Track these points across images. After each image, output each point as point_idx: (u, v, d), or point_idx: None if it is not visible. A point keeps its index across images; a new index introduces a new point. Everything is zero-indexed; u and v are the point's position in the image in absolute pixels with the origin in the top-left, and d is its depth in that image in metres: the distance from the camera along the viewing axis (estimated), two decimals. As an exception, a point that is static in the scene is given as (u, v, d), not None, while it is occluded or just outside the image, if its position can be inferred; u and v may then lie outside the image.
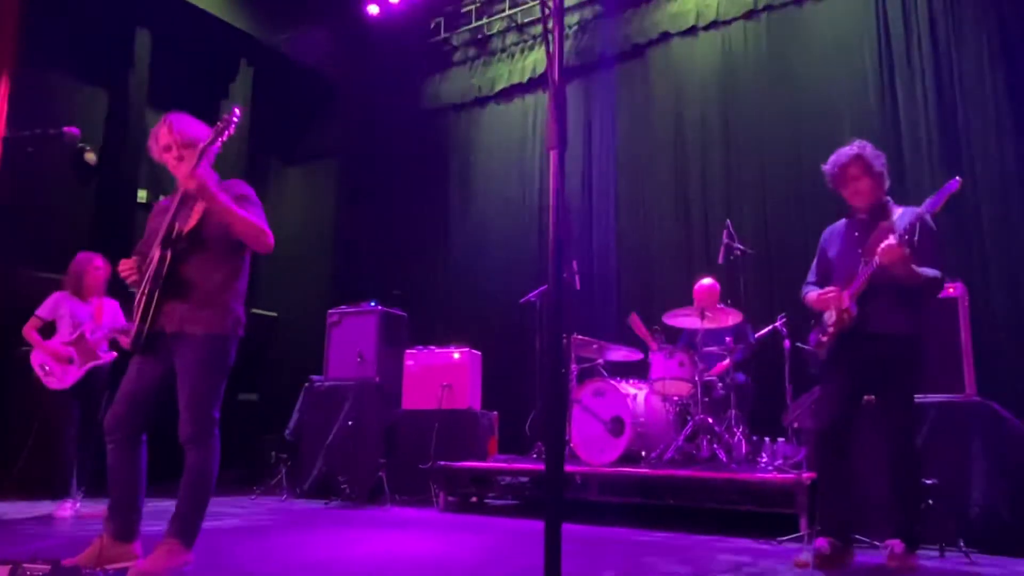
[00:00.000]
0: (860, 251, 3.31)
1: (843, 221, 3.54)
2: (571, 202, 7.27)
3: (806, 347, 3.59)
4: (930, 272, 3.15)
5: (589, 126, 7.45)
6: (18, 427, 5.42)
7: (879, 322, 3.20)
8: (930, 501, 3.40)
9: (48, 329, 4.68)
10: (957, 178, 3.11)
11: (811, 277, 3.62)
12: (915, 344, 3.23)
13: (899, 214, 3.31)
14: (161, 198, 3.10)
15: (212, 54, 7.40)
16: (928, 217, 3.15)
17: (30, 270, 5.93)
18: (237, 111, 2.87)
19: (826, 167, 3.47)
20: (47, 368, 4.56)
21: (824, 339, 3.36)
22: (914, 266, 3.09)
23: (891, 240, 3.07)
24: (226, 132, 2.87)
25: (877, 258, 3.11)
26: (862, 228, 3.38)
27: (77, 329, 4.61)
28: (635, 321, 5.45)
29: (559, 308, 1.54)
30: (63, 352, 4.56)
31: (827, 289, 3.38)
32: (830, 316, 3.32)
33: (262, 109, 7.91)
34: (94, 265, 4.71)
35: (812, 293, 3.48)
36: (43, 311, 4.65)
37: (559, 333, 1.58)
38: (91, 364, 4.59)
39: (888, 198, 3.42)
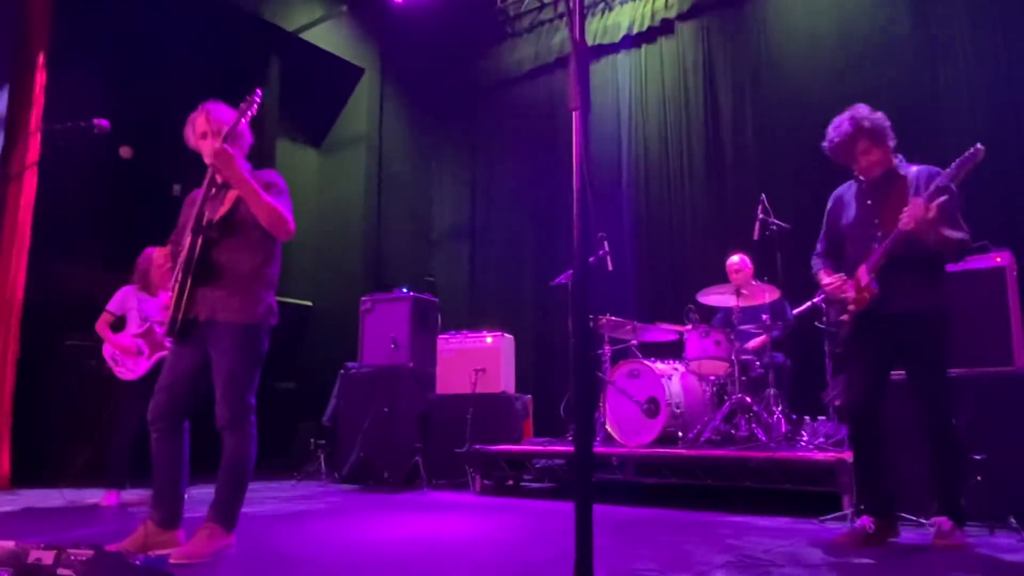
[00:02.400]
0: (876, 221, 3.18)
1: (851, 185, 3.39)
2: (603, 181, 7.19)
3: (826, 327, 3.49)
4: (956, 234, 3.01)
5: (619, 104, 7.35)
6: (63, 417, 5.59)
7: (900, 300, 3.08)
8: (979, 477, 3.30)
9: (119, 324, 4.84)
10: (979, 145, 2.91)
11: (819, 247, 3.50)
12: (939, 318, 3.10)
13: (913, 173, 3.17)
14: (194, 191, 3.13)
15: (240, 45, 7.44)
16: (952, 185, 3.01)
17: (67, 265, 6.06)
18: (259, 92, 2.91)
19: (825, 144, 3.30)
20: (117, 359, 4.70)
21: (844, 318, 3.26)
22: (942, 228, 2.95)
23: (918, 201, 2.92)
24: (249, 112, 2.92)
25: (903, 222, 2.96)
26: (875, 194, 3.24)
27: (145, 323, 4.73)
28: (661, 327, 5.41)
29: (584, 273, 1.50)
30: (132, 345, 4.69)
31: (834, 279, 3.28)
32: (848, 292, 3.22)
33: (292, 98, 7.95)
34: (158, 262, 4.80)
35: (823, 277, 3.37)
36: (112, 306, 4.78)
37: (585, 298, 1.53)
38: (159, 355, 4.68)
39: (899, 157, 3.25)
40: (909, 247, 3.04)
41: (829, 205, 3.47)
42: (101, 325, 4.73)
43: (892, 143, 3.23)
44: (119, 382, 4.70)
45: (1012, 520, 3.28)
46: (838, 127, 3.25)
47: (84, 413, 5.54)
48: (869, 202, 3.25)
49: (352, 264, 8.09)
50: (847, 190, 3.41)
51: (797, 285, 5.44)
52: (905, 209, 2.96)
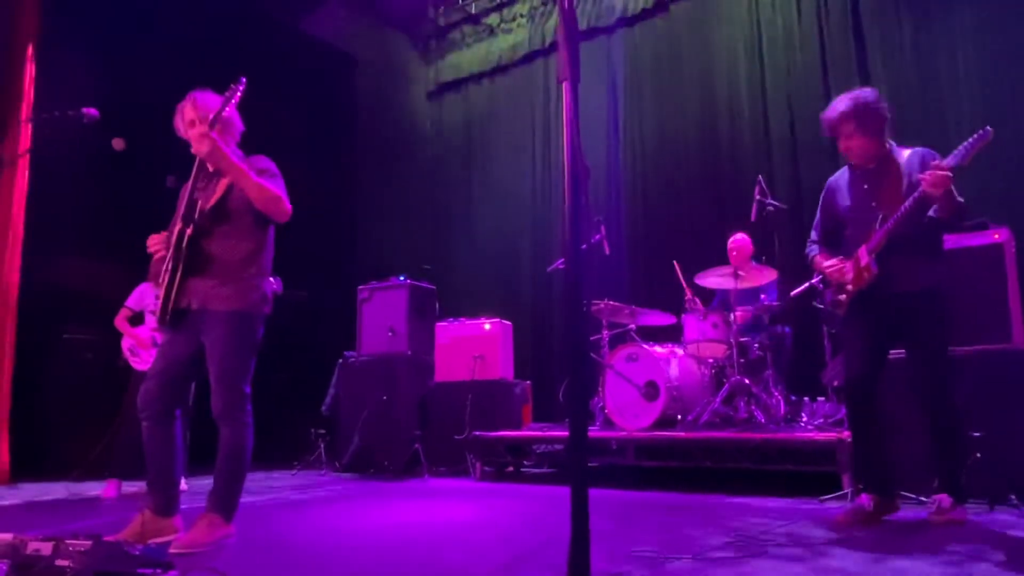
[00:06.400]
0: (873, 204, 3.18)
1: (846, 171, 3.39)
2: (599, 164, 7.15)
3: (823, 306, 3.49)
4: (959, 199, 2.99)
5: (614, 88, 7.31)
6: (63, 411, 5.59)
7: (900, 280, 3.09)
8: (978, 454, 3.30)
9: (138, 319, 4.93)
10: (988, 128, 2.90)
11: (814, 235, 3.51)
12: (938, 296, 3.11)
13: (907, 156, 3.17)
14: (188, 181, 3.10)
15: (234, 34, 7.37)
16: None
17: (62, 257, 6.03)
18: (244, 79, 2.89)
19: (822, 116, 3.32)
20: (135, 351, 4.81)
21: (842, 298, 3.26)
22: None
23: (943, 164, 2.87)
24: (234, 99, 2.90)
25: (926, 184, 2.90)
26: (871, 179, 3.24)
27: None
28: (677, 268, 5.34)
29: (577, 243, 1.48)
30: (148, 338, 4.79)
31: (833, 262, 3.28)
32: (848, 274, 3.22)
33: (286, 86, 7.88)
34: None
35: (820, 261, 3.37)
36: (131, 302, 4.89)
37: (578, 264, 1.51)
38: None
39: (891, 143, 3.24)
40: (911, 226, 3.03)
41: (823, 193, 3.47)
42: (120, 320, 4.84)
43: (884, 135, 3.21)
44: (134, 373, 4.79)
45: (1012, 497, 3.28)
46: (835, 104, 3.27)
47: (83, 406, 5.54)
48: (865, 187, 3.25)
49: (349, 253, 8.06)
50: (840, 177, 3.41)
51: (794, 266, 5.42)
52: (926, 175, 2.91)
